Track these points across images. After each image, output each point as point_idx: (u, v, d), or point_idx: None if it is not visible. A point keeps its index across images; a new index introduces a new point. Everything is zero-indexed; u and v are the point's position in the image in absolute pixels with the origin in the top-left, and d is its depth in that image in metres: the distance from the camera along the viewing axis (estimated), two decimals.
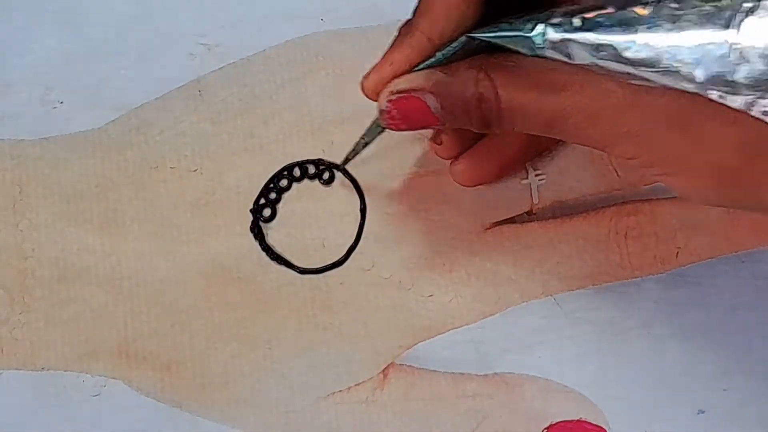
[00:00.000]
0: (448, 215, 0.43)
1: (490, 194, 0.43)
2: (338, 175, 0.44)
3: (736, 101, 0.31)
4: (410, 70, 0.36)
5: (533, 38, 0.33)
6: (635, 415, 0.41)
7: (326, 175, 0.44)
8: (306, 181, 0.44)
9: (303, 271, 0.43)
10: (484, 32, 0.34)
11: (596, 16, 0.32)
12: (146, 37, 0.46)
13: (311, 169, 0.44)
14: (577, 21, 0.32)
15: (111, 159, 0.45)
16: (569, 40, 0.32)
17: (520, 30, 0.33)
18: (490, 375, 0.42)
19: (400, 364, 0.42)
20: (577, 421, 0.41)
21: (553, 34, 0.33)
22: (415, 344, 0.42)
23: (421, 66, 0.35)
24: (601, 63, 0.32)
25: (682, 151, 0.32)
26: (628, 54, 0.32)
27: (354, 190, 0.44)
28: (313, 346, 0.42)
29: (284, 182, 0.44)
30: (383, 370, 0.42)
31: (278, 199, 0.44)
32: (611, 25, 0.32)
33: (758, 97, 0.31)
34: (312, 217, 0.44)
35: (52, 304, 0.43)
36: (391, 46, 0.36)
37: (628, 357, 0.42)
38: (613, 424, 0.41)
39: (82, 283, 0.43)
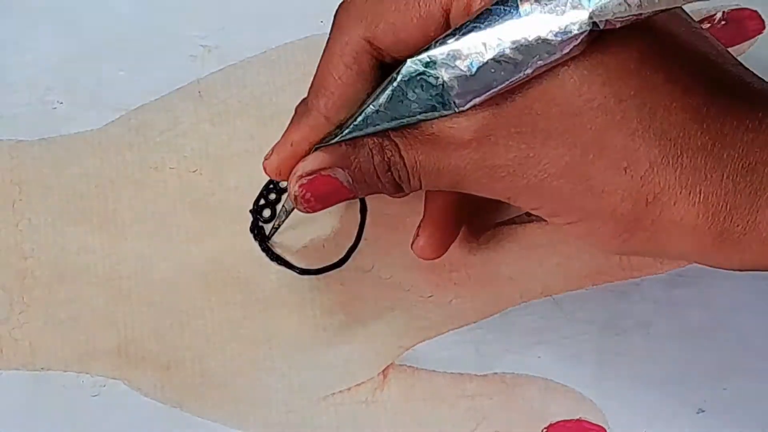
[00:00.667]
0: None
1: None
2: None
3: None
4: (310, 150, 0.37)
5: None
6: (635, 414, 0.41)
7: None
8: None
9: (303, 272, 0.43)
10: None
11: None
12: (146, 38, 0.46)
13: None
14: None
15: (110, 159, 0.45)
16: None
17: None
18: (490, 375, 0.42)
19: (400, 365, 0.42)
20: (577, 420, 0.41)
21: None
22: (415, 345, 0.42)
23: (321, 144, 0.37)
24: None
25: (579, 201, 0.34)
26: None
27: None
28: (313, 347, 0.42)
29: (284, 183, 0.44)
30: (383, 371, 0.42)
31: (278, 200, 0.44)
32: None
33: None
34: (312, 218, 0.44)
35: (52, 304, 0.43)
36: (289, 126, 0.38)
37: (628, 357, 0.42)
38: (613, 424, 0.41)
39: (82, 283, 0.43)
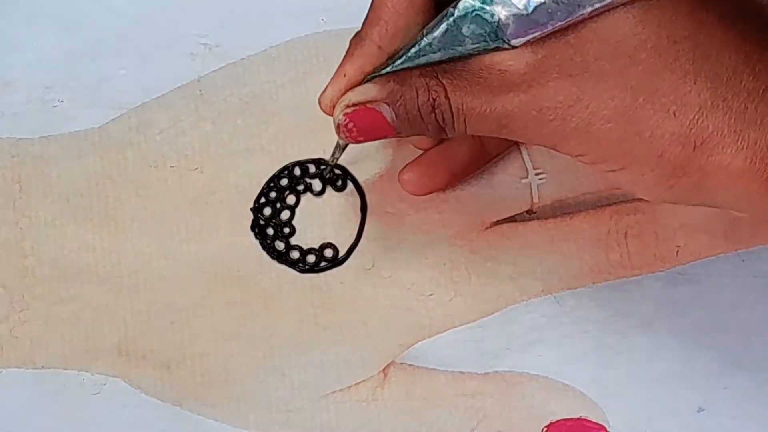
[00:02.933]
0: (448, 214, 0.43)
1: (491, 193, 0.43)
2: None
3: None
4: (363, 81, 0.36)
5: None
6: (635, 413, 0.41)
7: (339, 182, 0.44)
8: (316, 181, 0.44)
9: (303, 270, 0.43)
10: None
11: None
12: (147, 37, 0.46)
13: (312, 169, 0.44)
14: None
15: (111, 158, 0.45)
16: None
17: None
18: (491, 373, 0.42)
19: (401, 363, 0.42)
20: (578, 419, 0.41)
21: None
22: (416, 343, 0.42)
23: (373, 75, 0.36)
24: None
25: (626, 146, 0.33)
26: None
27: (354, 189, 0.44)
28: (314, 345, 0.42)
29: (284, 182, 0.44)
30: (383, 369, 0.42)
31: (279, 198, 0.44)
32: None
33: None
34: (312, 216, 0.44)
35: (52, 302, 0.43)
36: (343, 59, 0.37)
37: (628, 355, 0.42)
38: (613, 422, 0.41)
39: (82, 282, 0.43)
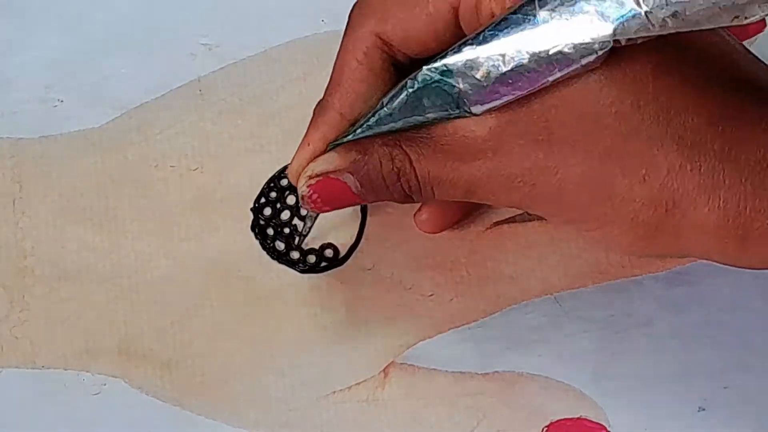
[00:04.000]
0: None
1: None
2: None
3: None
4: (326, 150, 0.36)
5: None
6: (635, 413, 0.41)
7: None
8: None
9: (304, 271, 0.43)
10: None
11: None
12: (147, 37, 0.46)
13: None
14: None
15: (111, 157, 0.45)
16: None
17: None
18: (491, 373, 0.42)
19: (401, 363, 0.42)
20: (578, 419, 0.41)
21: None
22: (416, 343, 0.42)
23: (336, 143, 0.36)
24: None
25: (597, 209, 0.33)
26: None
27: None
28: (314, 345, 0.42)
29: (285, 182, 0.44)
30: (384, 369, 0.42)
31: (279, 198, 0.44)
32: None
33: None
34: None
35: (52, 302, 0.43)
36: (308, 128, 0.37)
37: (629, 355, 0.42)
38: (613, 422, 0.41)
39: (82, 282, 0.43)
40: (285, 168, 0.44)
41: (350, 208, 0.43)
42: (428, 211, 0.41)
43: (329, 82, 0.37)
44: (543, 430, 0.41)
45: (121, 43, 0.46)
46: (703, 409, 0.41)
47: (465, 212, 0.43)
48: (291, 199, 0.44)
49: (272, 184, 0.44)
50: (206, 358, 0.42)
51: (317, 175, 0.36)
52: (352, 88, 0.36)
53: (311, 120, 0.37)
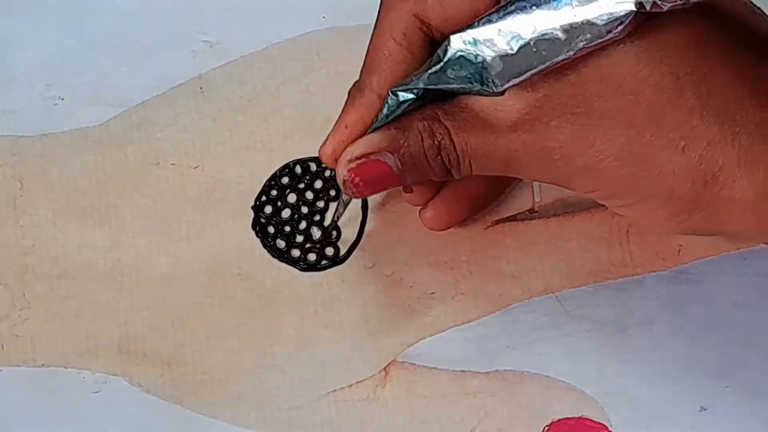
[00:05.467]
0: None
1: None
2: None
3: None
4: (365, 132, 0.36)
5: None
6: (637, 412, 0.41)
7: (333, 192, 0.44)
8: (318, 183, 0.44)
9: (304, 269, 0.43)
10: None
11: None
12: (148, 34, 0.46)
13: (313, 167, 0.44)
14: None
15: (112, 155, 0.45)
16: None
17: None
18: (492, 372, 0.42)
19: (402, 362, 0.42)
20: (579, 418, 0.41)
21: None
22: (417, 341, 0.42)
23: (373, 126, 0.36)
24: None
25: (635, 182, 0.33)
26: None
27: None
28: (314, 344, 0.42)
29: (286, 180, 0.44)
30: (385, 368, 0.42)
31: (280, 197, 0.44)
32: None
33: None
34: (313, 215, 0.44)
35: (53, 300, 0.43)
36: (343, 110, 0.37)
37: (630, 354, 0.42)
38: (615, 422, 0.41)
39: (83, 280, 0.43)
40: (286, 166, 0.44)
41: (352, 207, 0.43)
42: (434, 209, 0.41)
43: (365, 64, 0.36)
44: (544, 429, 0.41)
45: (122, 41, 0.46)
46: (705, 409, 0.41)
47: (471, 211, 0.42)
48: (292, 198, 0.44)
49: (273, 182, 0.44)
50: (206, 356, 0.42)
51: (358, 158, 0.36)
52: (391, 69, 0.36)
53: (346, 102, 0.37)
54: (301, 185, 0.44)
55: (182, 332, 0.42)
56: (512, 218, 0.43)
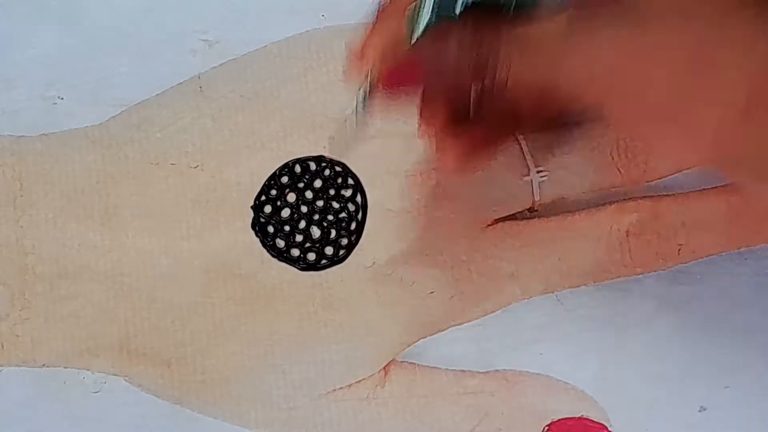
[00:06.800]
0: (449, 212, 0.43)
1: (492, 191, 0.43)
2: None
3: None
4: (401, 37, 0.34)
5: None
6: (636, 412, 0.41)
7: (340, 180, 0.44)
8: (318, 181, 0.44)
9: (304, 268, 0.43)
10: None
11: None
12: (147, 33, 0.46)
13: (312, 166, 0.44)
14: None
15: (111, 155, 0.45)
16: None
17: None
18: (492, 372, 0.42)
19: (401, 361, 0.42)
20: (579, 418, 0.41)
21: None
22: (417, 341, 0.42)
23: (420, 30, 0.34)
24: None
25: (683, 106, 0.31)
26: None
27: (355, 186, 0.44)
28: (314, 343, 0.42)
29: (285, 179, 0.44)
30: (384, 367, 0.42)
31: (279, 196, 0.44)
32: None
33: None
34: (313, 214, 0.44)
35: (53, 300, 0.43)
36: (379, 13, 0.35)
37: (630, 354, 0.42)
38: (615, 421, 0.41)
39: (83, 280, 0.43)
40: (285, 165, 0.44)
41: (351, 206, 0.43)
42: (452, 146, 0.38)
43: None
44: (544, 429, 0.41)
45: (121, 41, 0.46)
46: (705, 409, 0.41)
47: (488, 154, 0.39)
48: (291, 197, 0.44)
49: (273, 182, 0.44)
50: (207, 356, 0.42)
51: (395, 53, 0.34)
52: None
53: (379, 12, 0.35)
54: (301, 184, 0.44)
55: (182, 332, 0.42)
56: (512, 217, 0.43)
